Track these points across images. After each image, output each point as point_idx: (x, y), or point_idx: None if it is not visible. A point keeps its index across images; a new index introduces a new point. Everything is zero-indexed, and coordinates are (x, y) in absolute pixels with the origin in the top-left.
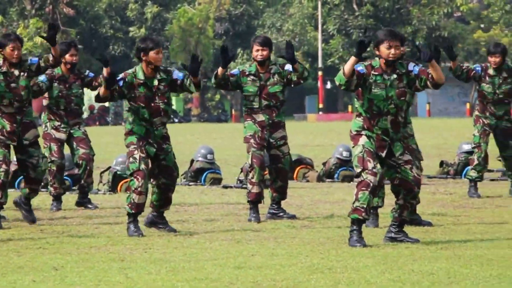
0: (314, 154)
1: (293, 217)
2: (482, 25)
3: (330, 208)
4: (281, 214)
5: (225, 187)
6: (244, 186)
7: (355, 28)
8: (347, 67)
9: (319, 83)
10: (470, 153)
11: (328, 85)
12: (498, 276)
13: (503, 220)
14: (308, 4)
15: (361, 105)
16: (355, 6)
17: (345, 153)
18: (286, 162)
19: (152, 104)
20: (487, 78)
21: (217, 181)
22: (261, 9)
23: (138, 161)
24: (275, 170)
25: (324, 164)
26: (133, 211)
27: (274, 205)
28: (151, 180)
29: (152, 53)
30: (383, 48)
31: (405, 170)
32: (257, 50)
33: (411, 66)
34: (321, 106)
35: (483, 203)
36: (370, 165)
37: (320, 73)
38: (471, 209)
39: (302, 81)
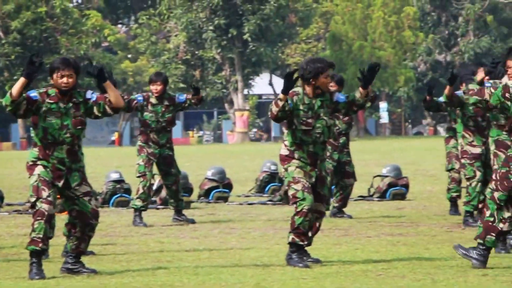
0: None
1: None
2: (129, 55)
3: None
4: None
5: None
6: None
7: (1, 56)
8: (14, 89)
9: None
10: (118, 181)
11: None
12: None
13: (149, 249)
14: None
15: (36, 134)
16: (0, 34)
17: (273, 167)
18: None
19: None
20: (149, 107)
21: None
22: None
23: None
24: None
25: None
26: None
27: None
28: None
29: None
30: (56, 77)
31: (83, 202)
32: None
33: (88, 94)
34: None
35: (130, 231)
36: (45, 193)
37: None
38: (118, 238)
39: None
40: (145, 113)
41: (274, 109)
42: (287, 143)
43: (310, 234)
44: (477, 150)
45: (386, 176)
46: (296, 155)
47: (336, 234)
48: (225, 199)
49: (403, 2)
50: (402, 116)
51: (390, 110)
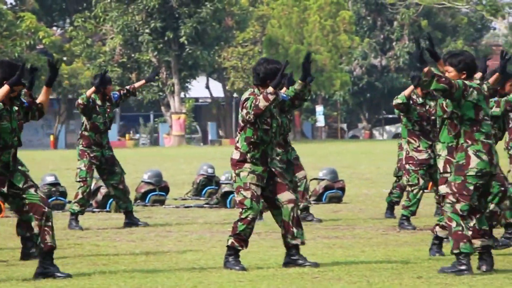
0: None
1: None
2: (65, 58)
3: None
4: None
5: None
6: None
7: None
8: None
9: None
10: (53, 184)
11: None
12: None
13: (85, 252)
14: None
15: None
16: None
17: (210, 170)
18: None
19: None
20: (97, 109)
21: None
22: None
23: None
24: None
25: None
26: None
27: None
28: None
29: None
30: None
31: (30, 193)
32: None
33: (23, 98)
34: None
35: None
36: None
37: None
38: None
39: None
40: (94, 115)
41: (263, 104)
42: (239, 146)
43: (294, 229)
44: (423, 156)
45: (323, 179)
46: (248, 157)
47: (273, 237)
48: (162, 202)
49: (339, 6)
50: (338, 119)
51: (326, 113)
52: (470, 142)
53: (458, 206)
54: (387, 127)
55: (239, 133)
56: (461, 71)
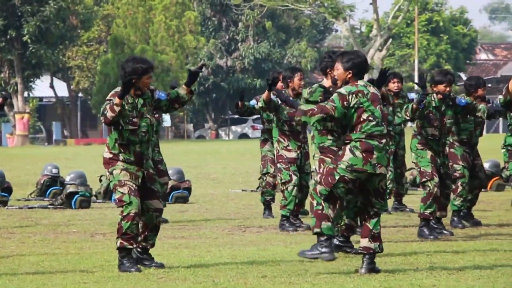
0: None
1: None
2: None
3: None
4: None
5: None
6: None
7: None
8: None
9: None
10: None
11: None
12: None
13: None
14: None
15: None
16: None
17: (54, 170)
18: None
19: None
20: None
21: None
22: None
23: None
24: None
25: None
26: None
27: None
28: None
29: None
30: None
31: None
32: None
33: None
34: None
35: None
36: None
37: None
38: None
39: None
40: None
41: (110, 114)
42: (110, 146)
43: (148, 232)
44: (293, 155)
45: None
46: (121, 157)
47: None
48: (4, 203)
49: (184, 7)
50: (185, 120)
51: (172, 113)
52: (349, 141)
53: (319, 188)
54: (233, 127)
55: (108, 134)
56: (347, 70)
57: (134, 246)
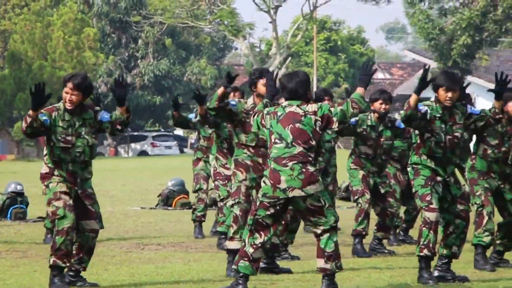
0: None
1: None
2: None
3: None
4: None
5: None
6: None
7: None
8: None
9: None
10: None
11: None
12: None
13: None
14: None
15: None
16: None
17: (19, 187)
18: None
19: None
20: None
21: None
22: None
23: None
24: None
25: None
26: None
27: None
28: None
29: None
30: None
31: None
32: None
33: None
34: None
35: None
36: None
37: None
38: None
39: None
40: None
41: (24, 125)
42: (46, 161)
43: (83, 255)
44: (230, 172)
45: None
46: (55, 173)
47: (13, 256)
48: None
49: (83, 23)
50: None
51: None
52: (265, 167)
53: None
54: (132, 145)
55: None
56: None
57: (67, 265)
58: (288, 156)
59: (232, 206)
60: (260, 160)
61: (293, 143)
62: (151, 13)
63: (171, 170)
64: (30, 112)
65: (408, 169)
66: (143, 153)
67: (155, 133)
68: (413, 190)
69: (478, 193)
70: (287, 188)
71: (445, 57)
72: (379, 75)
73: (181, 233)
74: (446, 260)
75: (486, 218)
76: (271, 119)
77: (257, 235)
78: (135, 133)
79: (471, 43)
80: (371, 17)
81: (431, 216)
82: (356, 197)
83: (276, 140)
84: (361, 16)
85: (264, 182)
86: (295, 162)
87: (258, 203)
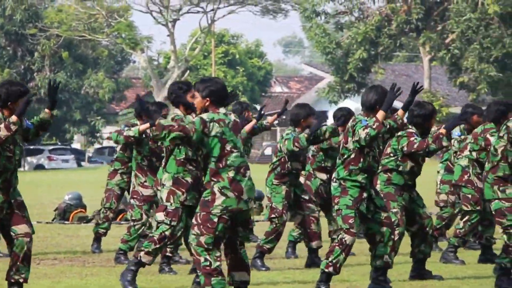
0: None
1: None
2: None
3: None
4: None
5: None
6: None
7: None
8: None
9: None
10: None
11: None
12: None
13: None
14: None
15: None
16: None
17: None
18: None
19: None
20: None
21: None
22: None
23: None
24: None
25: None
26: None
27: None
28: None
29: None
30: None
31: None
32: None
33: None
34: None
35: None
36: None
37: None
38: None
39: None
40: None
41: (4, 134)
42: None
43: (20, 263)
44: (149, 192)
45: None
46: None
47: None
48: None
49: None
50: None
51: None
52: (215, 179)
53: (202, 239)
54: (29, 158)
55: None
56: (205, 97)
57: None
58: (244, 165)
59: (168, 225)
60: (198, 174)
61: (243, 153)
62: (48, 25)
63: (68, 183)
64: (14, 118)
65: (334, 184)
66: (39, 167)
67: (51, 147)
68: (336, 207)
69: (394, 211)
70: (248, 199)
71: (341, 71)
72: (277, 88)
73: (78, 248)
74: (381, 272)
75: (397, 237)
76: (220, 126)
77: (215, 249)
78: (31, 147)
79: (367, 57)
80: (268, 31)
81: (349, 239)
82: (273, 215)
83: (233, 149)
84: (259, 30)
85: (223, 194)
86: (249, 172)
87: (215, 220)
